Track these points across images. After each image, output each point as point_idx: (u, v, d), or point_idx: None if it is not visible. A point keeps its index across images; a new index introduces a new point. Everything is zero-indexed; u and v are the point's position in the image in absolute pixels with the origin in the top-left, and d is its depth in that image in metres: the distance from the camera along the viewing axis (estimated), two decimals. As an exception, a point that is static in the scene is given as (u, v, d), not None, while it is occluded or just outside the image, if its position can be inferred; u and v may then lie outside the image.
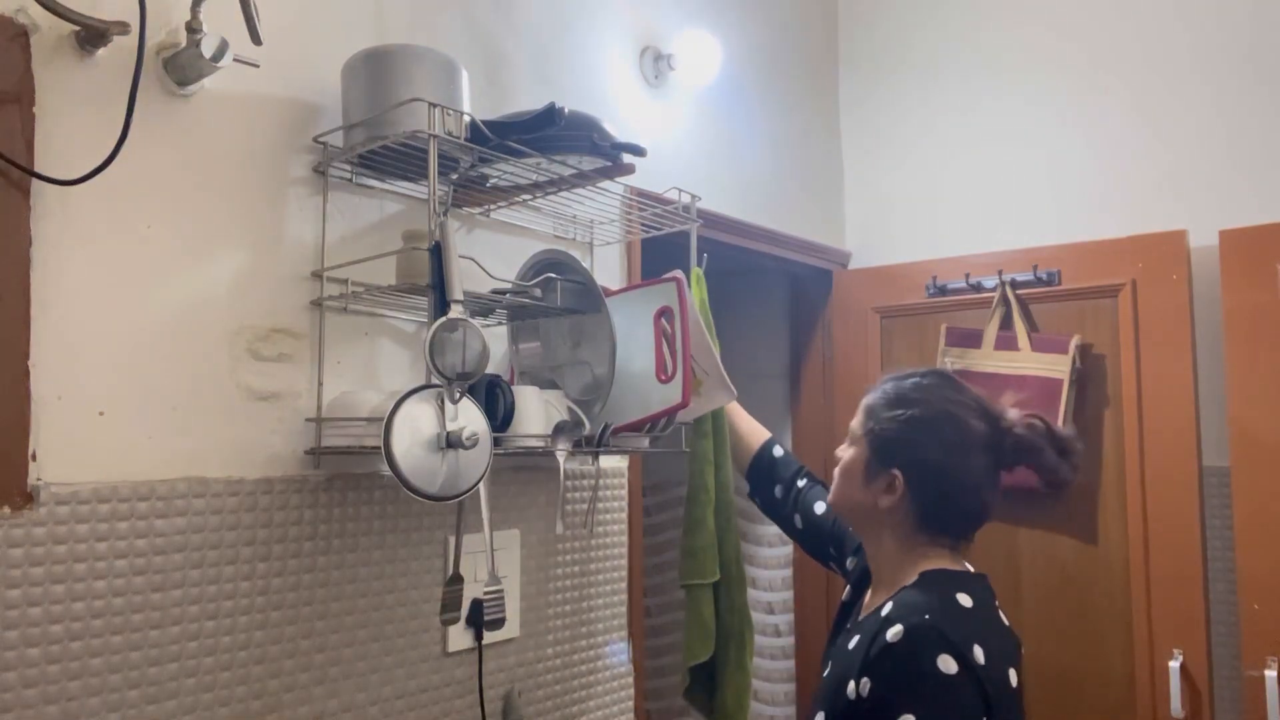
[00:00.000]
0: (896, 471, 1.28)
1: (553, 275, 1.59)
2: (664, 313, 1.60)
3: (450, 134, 1.34)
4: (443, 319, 1.24)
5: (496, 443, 1.35)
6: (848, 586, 1.49)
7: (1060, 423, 2.24)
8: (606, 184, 1.62)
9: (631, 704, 1.95)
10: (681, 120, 2.25)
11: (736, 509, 1.97)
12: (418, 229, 1.43)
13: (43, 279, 1.17)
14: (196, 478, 1.30)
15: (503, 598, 1.45)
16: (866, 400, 1.37)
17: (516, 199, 1.65)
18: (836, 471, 1.37)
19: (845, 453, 1.36)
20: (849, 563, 1.57)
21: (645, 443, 1.66)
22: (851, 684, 1.19)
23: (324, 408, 1.44)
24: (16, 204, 1.14)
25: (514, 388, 1.48)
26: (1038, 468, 1.33)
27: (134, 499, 1.23)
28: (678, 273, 1.63)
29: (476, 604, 1.57)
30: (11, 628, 1.12)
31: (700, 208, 1.80)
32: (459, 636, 1.60)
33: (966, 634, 1.16)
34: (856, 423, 1.37)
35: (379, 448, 1.19)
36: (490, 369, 1.33)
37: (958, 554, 1.33)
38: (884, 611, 1.22)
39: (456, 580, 1.40)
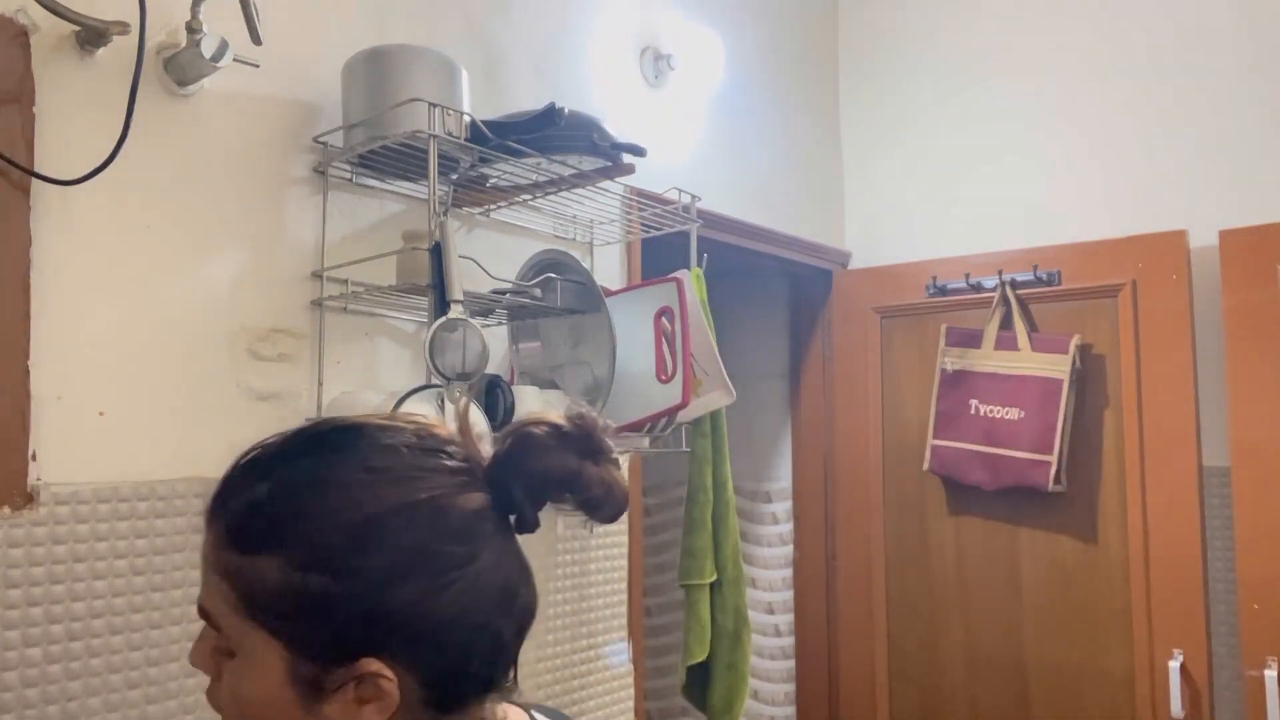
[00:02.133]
0: (374, 664, 0.59)
1: (553, 275, 1.59)
2: (664, 313, 1.60)
3: (450, 134, 1.34)
4: (443, 319, 1.24)
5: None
6: None
7: (1060, 422, 2.24)
8: (606, 184, 1.62)
9: (631, 704, 1.95)
10: (681, 120, 2.25)
11: (736, 509, 1.97)
12: (418, 229, 1.43)
13: (43, 279, 1.17)
14: (196, 478, 1.30)
15: (503, 598, 1.44)
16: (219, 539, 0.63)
17: (516, 199, 1.65)
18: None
19: (219, 662, 0.64)
20: None
21: (645, 443, 1.66)
22: None
23: (324, 408, 1.44)
24: (16, 204, 1.14)
25: (514, 388, 1.48)
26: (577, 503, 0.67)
27: (134, 499, 1.23)
28: (679, 273, 1.63)
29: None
30: (11, 628, 1.12)
31: (700, 208, 1.80)
32: (459, 636, 1.60)
33: None
34: (224, 596, 0.62)
35: (379, 448, 1.19)
36: (490, 369, 1.33)
37: None
38: None
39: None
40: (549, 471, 0.64)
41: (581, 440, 0.66)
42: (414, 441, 0.64)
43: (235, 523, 0.62)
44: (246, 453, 0.65)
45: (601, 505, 0.66)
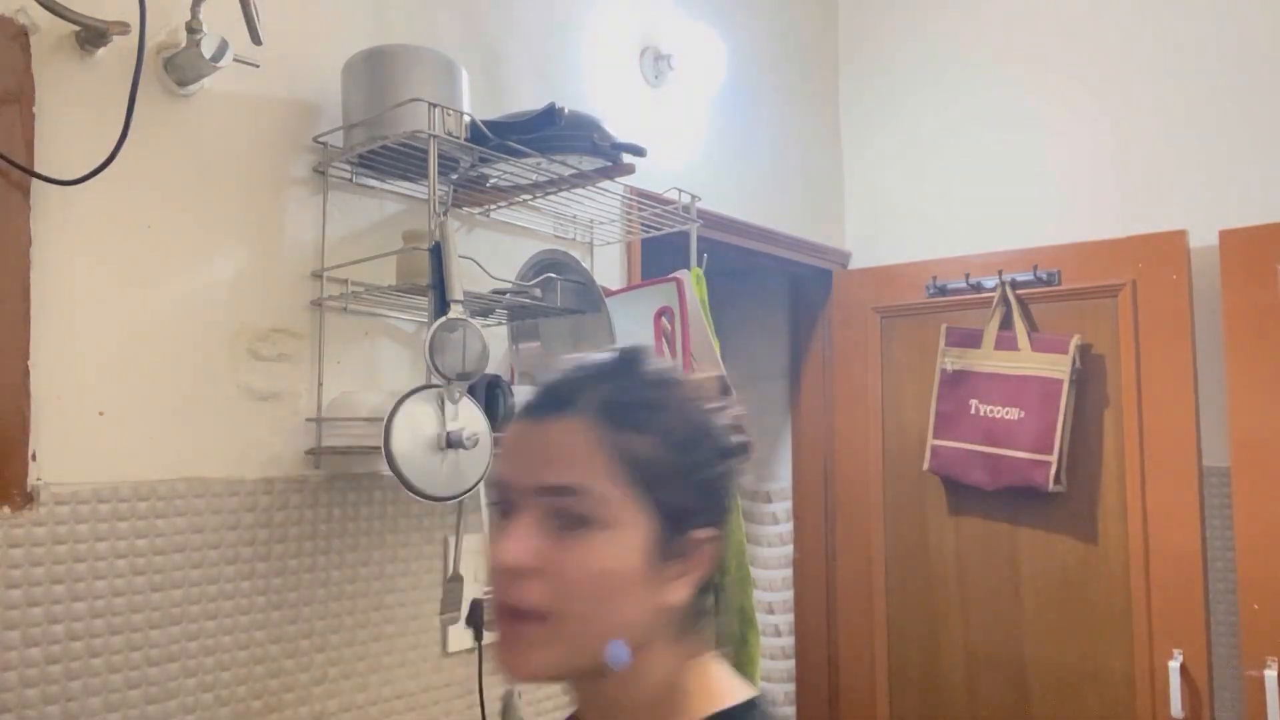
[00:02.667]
0: (705, 532, 0.71)
1: (553, 275, 1.59)
2: (664, 312, 1.60)
3: (450, 134, 1.34)
4: (443, 319, 1.24)
5: (496, 443, 1.35)
6: None
7: (1060, 422, 2.24)
8: (606, 184, 1.62)
9: (631, 704, 1.94)
10: (681, 120, 2.25)
11: (740, 509, 1.97)
12: (418, 229, 1.43)
13: (43, 279, 1.17)
14: (196, 478, 1.30)
15: (503, 598, 1.45)
16: (587, 411, 0.70)
17: (516, 199, 1.65)
18: (557, 591, 0.67)
19: (563, 546, 0.67)
20: None
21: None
22: None
23: (324, 408, 1.44)
24: (16, 204, 1.14)
25: (514, 388, 1.48)
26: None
27: (134, 499, 1.23)
28: (679, 273, 1.63)
29: (476, 604, 1.57)
30: (12, 628, 1.12)
31: (700, 208, 1.80)
32: (459, 636, 1.60)
33: None
34: (589, 471, 0.68)
35: (379, 448, 1.19)
36: (490, 369, 1.33)
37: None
38: None
39: (456, 580, 1.40)
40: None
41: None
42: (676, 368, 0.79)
43: (613, 404, 0.70)
44: (572, 359, 0.76)
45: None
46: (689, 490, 0.71)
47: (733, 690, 0.74)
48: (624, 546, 0.67)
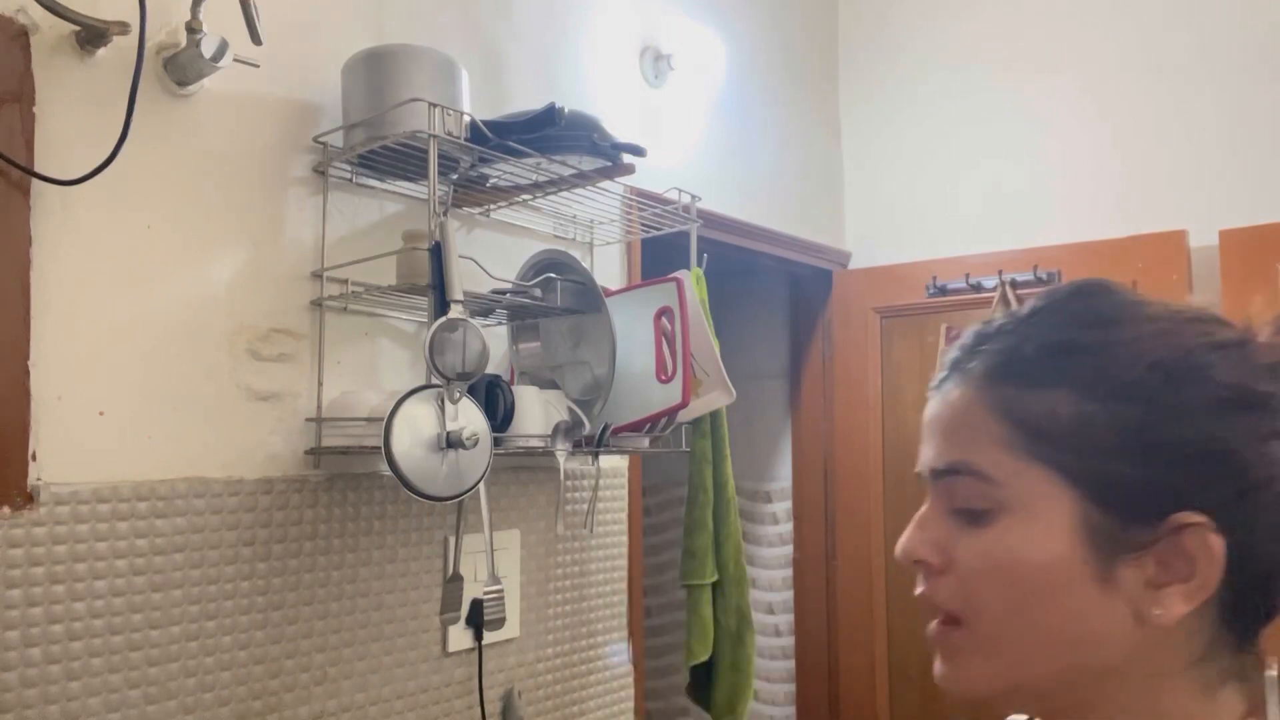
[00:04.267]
0: (1195, 518, 0.51)
1: (553, 275, 1.59)
2: (664, 312, 1.60)
3: (450, 134, 1.34)
4: (443, 319, 1.24)
5: (496, 443, 1.35)
6: None
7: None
8: (606, 184, 1.62)
9: (631, 704, 1.95)
10: (681, 120, 2.25)
11: (738, 508, 1.97)
12: (418, 229, 1.43)
13: (43, 279, 1.17)
14: (196, 478, 1.30)
15: (503, 598, 1.45)
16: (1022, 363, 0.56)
17: (516, 199, 1.65)
18: (963, 588, 0.56)
19: (965, 535, 0.56)
20: None
21: (645, 443, 1.66)
22: None
23: (324, 408, 1.44)
24: (16, 204, 1.14)
25: (514, 388, 1.48)
26: None
27: (134, 499, 1.23)
28: (679, 273, 1.63)
29: (476, 604, 1.57)
30: (11, 628, 1.12)
31: (700, 208, 1.80)
32: (459, 636, 1.60)
33: None
34: (1005, 442, 0.55)
35: (379, 448, 1.19)
36: (490, 369, 1.33)
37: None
38: None
39: (456, 580, 1.40)
40: None
41: None
42: (1171, 303, 0.57)
43: (1013, 358, 0.56)
44: (992, 319, 0.60)
45: None
46: (1147, 459, 0.51)
47: None
48: (1037, 533, 0.52)
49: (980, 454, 0.55)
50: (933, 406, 0.60)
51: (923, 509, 0.58)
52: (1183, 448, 0.51)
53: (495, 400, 1.43)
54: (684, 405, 1.56)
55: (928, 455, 0.59)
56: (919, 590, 0.58)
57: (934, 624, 0.57)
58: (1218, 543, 0.50)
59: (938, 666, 0.57)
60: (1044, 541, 0.52)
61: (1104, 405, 0.52)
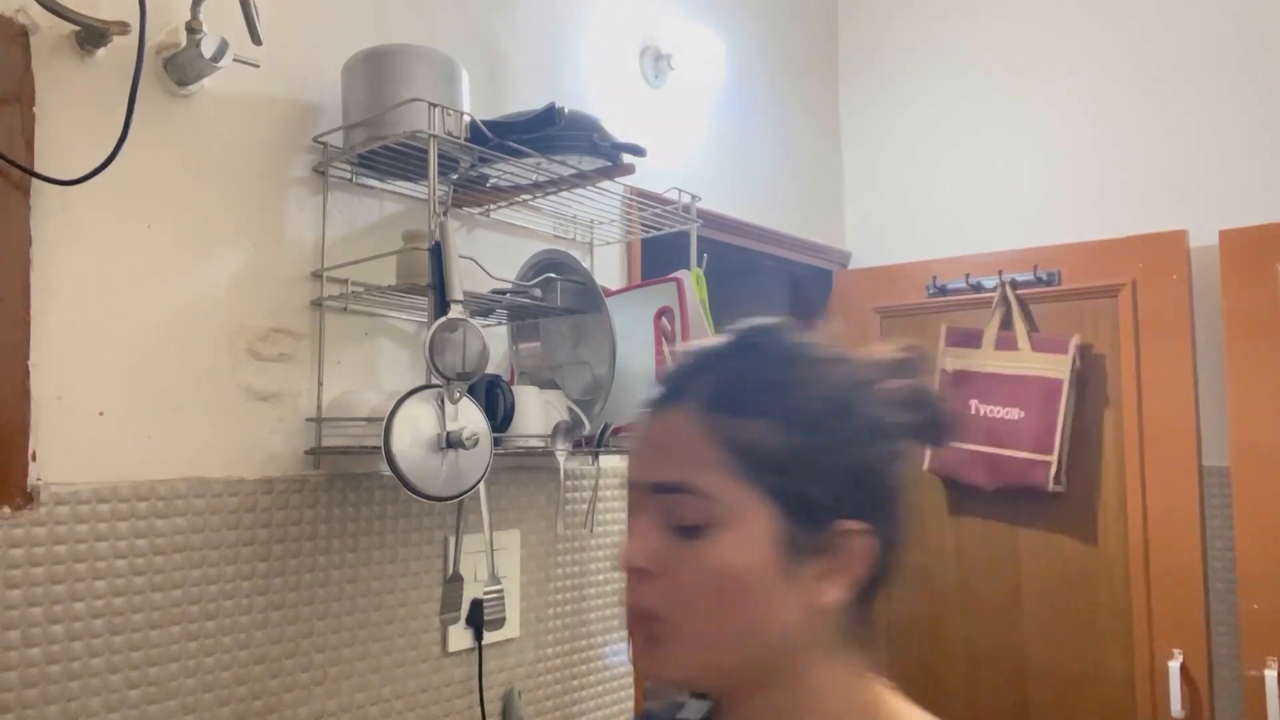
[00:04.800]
0: (853, 523, 0.63)
1: (553, 275, 1.59)
2: (664, 312, 1.60)
3: (450, 134, 1.34)
4: (443, 319, 1.24)
5: (496, 443, 1.35)
6: None
7: (1060, 422, 2.24)
8: (606, 184, 1.62)
9: (631, 704, 1.95)
10: (681, 120, 2.25)
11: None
12: (418, 229, 1.43)
13: (43, 279, 1.17)
14: (196, 478, 1.30)
15: (503, 598, 1.45)
16: (701, 396, 0.65)
17: (516, 199, 1.65)
18: (673, 593, 0.63)
19: (679, 545, 0.63)
20: None
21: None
22: None
23: (324, 408, 1.44)
24: (16, 204, 1.14)
25: (514, 388, 1.48)
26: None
27: (134, 499, 1.23)
28: (679, 273, 1.63)
29: (476, 604, 1.57)
30: (11, 628, 1.12)
31: (700, 208, 1.80)
32: (459, 636, 1.60)
33: None
34: (695, 466, 0.63)
35: (379, 448, 1.19)
36: (490, 369, 1.33)
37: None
38: None
39: (456, 580, 1.40)
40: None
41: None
42: (832, 343, 0.69)
43: (725, 389, 0.64)
44: (698, 342, 0.69)
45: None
46: (824, 477, 0.63)
47: None
48: (744, 543, 0.61)
49: (701, 476, 0.62)
50: (651, 423, 0.66)
51: (636, 522, 0.65)
52: (846, 469, 0.63)
53: (495, 400, 1.43)
54: (684, 405, 1.56)
55: (647, 470, 0.65)
56: (628, 597, 0.65)
57: (632, 620, 0.65)
58: (870, 543, 0.63)
59: (637, 655, 0.65)
60: (749, 550, 0.62)
61: (797, 435, 0.63)
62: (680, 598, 0.62)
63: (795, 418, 0.63)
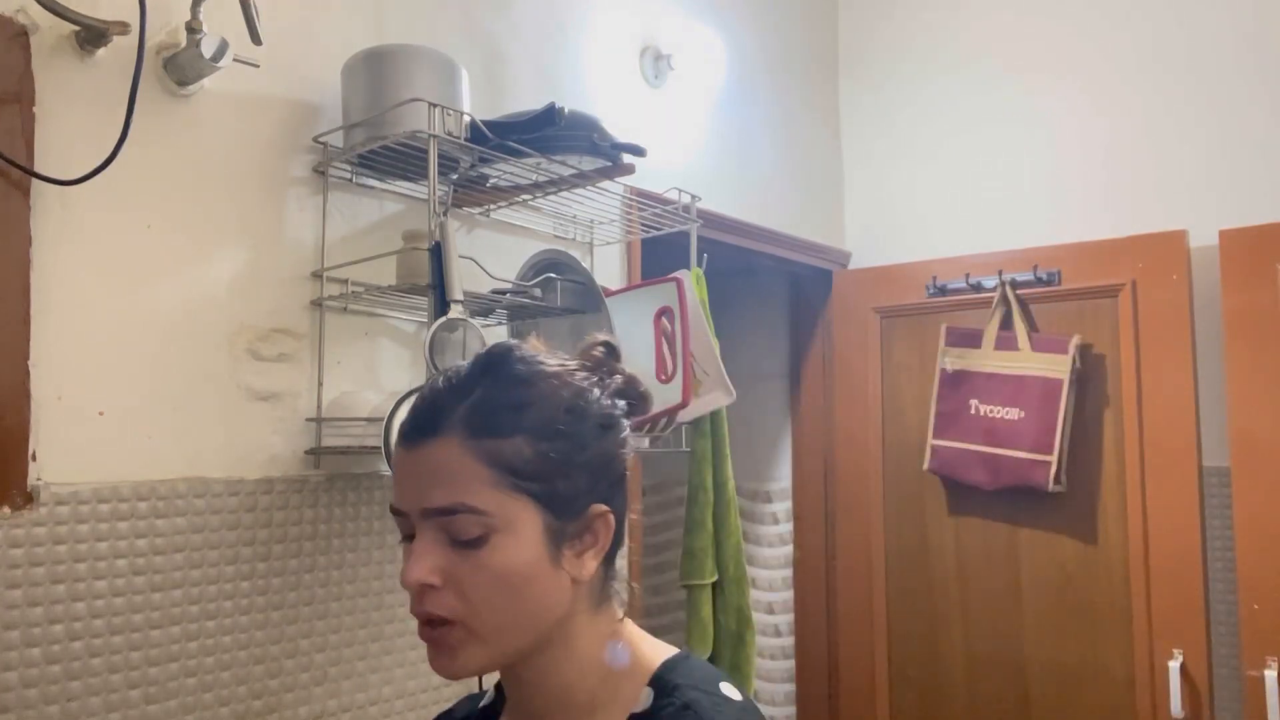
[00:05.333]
0: (600, 506, 0.75)
1: (553, 275, 1.59)
2: (664, 312, 1.60)
3: (450, 134, 1.34)
4: (443, 319, 1.24)
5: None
6: None
7: (1060, 422, 2.24)
8: (606, 184, 1.62)
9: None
10: (681, 120, 2.25)
11: (738, 508, 1.97)
12: (418, 229, 1.43)
13: (43, 279, 1.17)
14: (196, 478, 1.30)
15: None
16: (463, 418, 0.73)
17: (516, 199, 1.65)
18: (465, 599, 0.71)
19: (461, 558, 0.71)
20: None
21: (645, 443, 1.66)
22: None
23: (324, 408, 1.44)
24: (16, 204, 1.14)
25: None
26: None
27: (134, 499, 1.23)
28: (679, 273, 1.63)
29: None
30: (12, 628, 1.12)
31: (700, 208, 1.80)
32: (459, 636, 1.60)
33: None
34: (476, 475, 0.71)
35: (379, 448, 1.19)
36: (490, 369, 1.33)
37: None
38: None
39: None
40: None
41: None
42: (550, 356, 0.79)
43: (476, 416, 0.72)
44: (439, 377, 0.76)
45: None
46: (573, 475, 0.73)
47: (659, 648, 0.78)
48: (518, 545, 0.71)
49: (473, 495, 0.70)
50: (416, 456, 0.73)
51: (416, 543, 0.72)
52: (589, 462, 0.74)
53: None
54: (684, 405, 1.56)
55: (423, 497, 0.72)
56: (418, 609, 0.72)
57: (427, 628, 0.73)
58: (611, 519, 0.76)
59: (435, 659, 0.74)
60: (523, 549, 0.71)
61: (547, 443, 0.72)
62: (470, 601, 0.71)
63: (542, 430, 0.73)
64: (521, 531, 0.71)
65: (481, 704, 0.93)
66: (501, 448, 0.71)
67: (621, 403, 0.78)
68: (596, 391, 0.77)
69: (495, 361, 0.76)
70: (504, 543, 0.71)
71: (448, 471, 0.71)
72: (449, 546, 0.71)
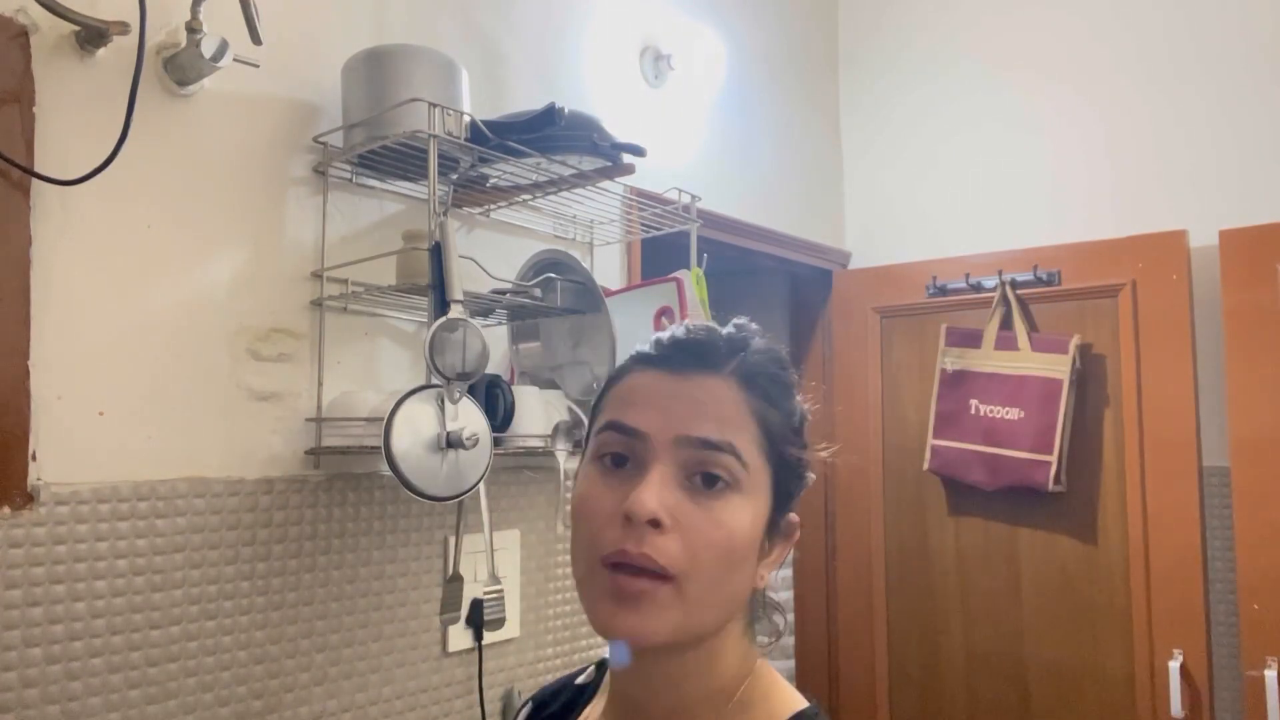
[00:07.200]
0: (796, 518, 0.73)
1: (553, 275, 1.59)
2: (664, 312, 1.60)
3: (450, 134, 1.34)
4: (443, 319, 1.24)
5: (496, 443, 1.35)
6: None
7: (1060, 422, 2.24)
8: (606, 184, 1.62)
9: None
10: (681, 120, 2.25)
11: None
12: (418, 229, 1.43)
13: (43, 279, 1.17)
14: (196, 478, 1.30)
15: (503, 598, 1.45)
16: (737, 388, 0.69)
17: (516, 199, 1.65)
18: (690, 550, 0.64)
19: (698, 503, 0.65)
20: None
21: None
22: None
23: (324, 408, 1.44)
24: (16, 204, 1.14)
25: (514, 388, 1.48)
26: None
27: (134, 499, 1.23)
28: (679, 273, 1.63)
29: (476, 604, 1.57)
30: (12, 628, 1.12)
31: (700, 208, 1.80)
32: (459, 636, 1.60)
33: None
34: (727, 435, 0.66)
35: (379, 448, 1.19)
36: (490, 369, 1.33)
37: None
38: None
39: (456, 580, 1.40)
40: None
41: None
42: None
43: (756, 373, 0.69)
44: (702, 325, 0.72)
45: None
46: (794, 472, 0.71)
47: (792, 696, 0.72)
48: (751, 514, 0.66)
49: (742, 442, 0.66)
50: (686, 384, 0.67)
51: (653, 472, 0.64)
52: (798, 467, 0.71)
53: (495, 400, 1.43)
54: (684, 405, 1.56)
55: (683, 424, 0.65)
56: (633, 547, 0.63)
57: (628, 577, 0.63)
58: (798, 536, 0.73)
59: (625, 615, 0.63)
60: (752, 521, 0.66)
61: (791, 430, 0.71)
62: (694, 556, 0.63)
63: (792, 417, 0.71)
64: (757, 503, 0.67)
65: (579, 680, 0.83)
66: (769, 414, 0.68)
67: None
68: (800, 400, 0.74)
69: (761, 336, 0.73)
70: (741, 505, 0.65)
71: (721, 410, 0.66)
72: (686, 488, 0.64)
